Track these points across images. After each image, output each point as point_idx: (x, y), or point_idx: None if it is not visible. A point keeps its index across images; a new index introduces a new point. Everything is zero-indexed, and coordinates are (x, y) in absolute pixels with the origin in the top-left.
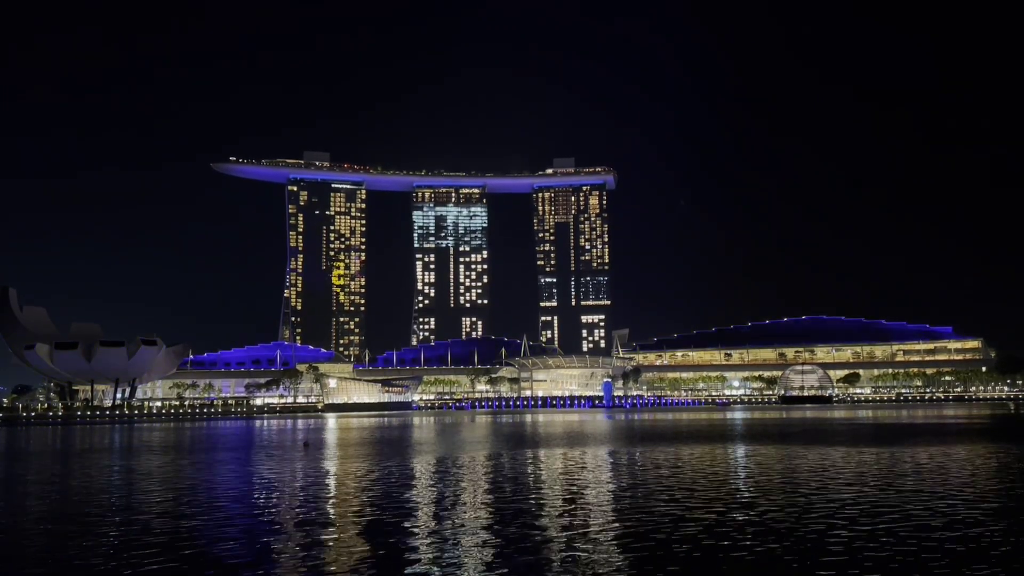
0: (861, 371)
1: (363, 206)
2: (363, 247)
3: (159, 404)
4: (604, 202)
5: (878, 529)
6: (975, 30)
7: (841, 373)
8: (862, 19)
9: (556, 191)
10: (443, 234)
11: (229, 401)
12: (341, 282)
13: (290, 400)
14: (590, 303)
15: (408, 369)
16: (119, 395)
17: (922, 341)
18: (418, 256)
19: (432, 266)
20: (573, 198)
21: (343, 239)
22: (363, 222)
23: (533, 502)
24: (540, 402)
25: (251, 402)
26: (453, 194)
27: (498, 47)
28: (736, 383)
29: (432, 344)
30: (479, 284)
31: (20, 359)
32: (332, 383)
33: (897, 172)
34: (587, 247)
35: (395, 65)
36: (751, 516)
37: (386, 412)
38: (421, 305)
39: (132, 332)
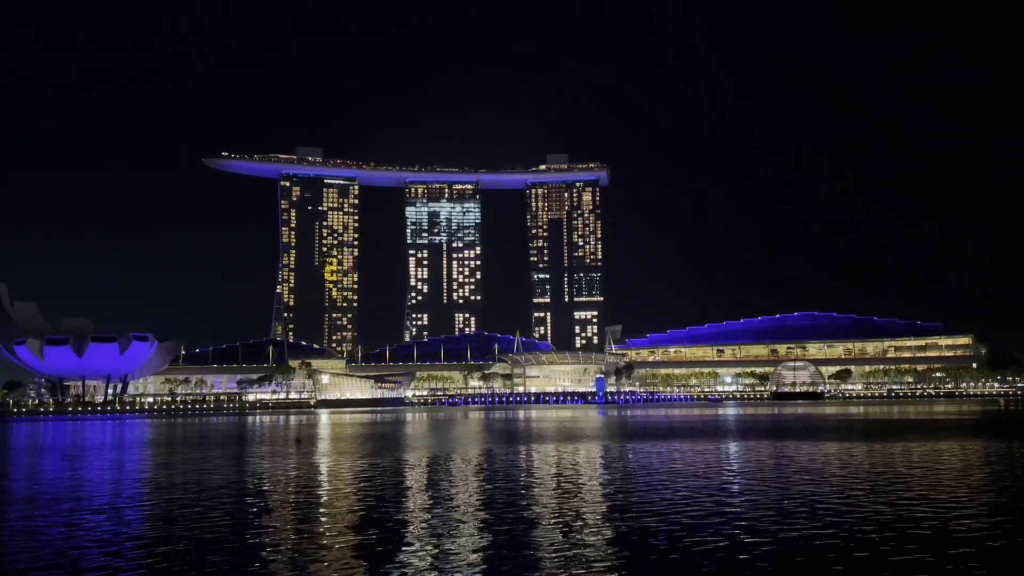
0: (853, 368)
1: (356, 202)
2: (356, 243)
3: (151, 400)
4: (597, 198)
5: (874, 525)
6: (970, 28)
7: (833, 369)
8: (862, 16)
9: (549, 187)
10: (436, 230)
11: (221, 397)
12: (334, 278)
13: (282, 396)
14: (583, 299)
15: (401, 365)
16: (111, 391)
17: (913, 338)
18: (411, 252)
19: (425, 262)
20: (566, 194)
21: (336, 235)
22: (356, 218)
23: (525, 498)
24: (533, 398)
25: (243, 398)
26: (446, 190)
27: (491, 44)
28: (728, 379)
29: (425, 340)
30: (472, 280)
31: (11, 354)
32: (324, 379)
33: (889, 170)
34: (580, 243)
35: (389, 62)
36: (741, 512)
37: (379, 408)
38: (414, 301)
39: (124, 327)
